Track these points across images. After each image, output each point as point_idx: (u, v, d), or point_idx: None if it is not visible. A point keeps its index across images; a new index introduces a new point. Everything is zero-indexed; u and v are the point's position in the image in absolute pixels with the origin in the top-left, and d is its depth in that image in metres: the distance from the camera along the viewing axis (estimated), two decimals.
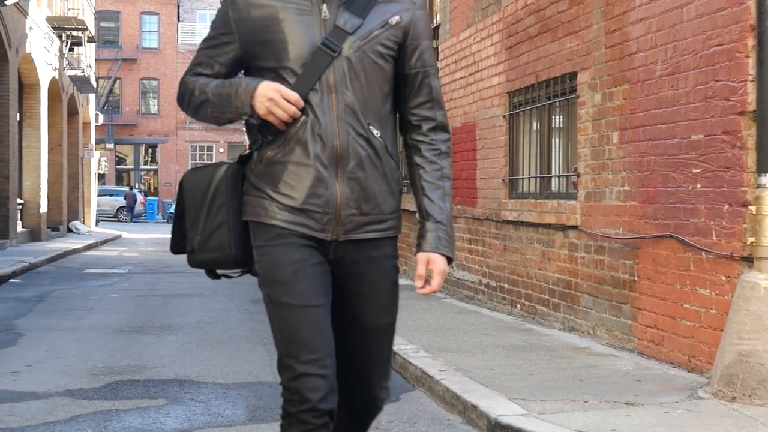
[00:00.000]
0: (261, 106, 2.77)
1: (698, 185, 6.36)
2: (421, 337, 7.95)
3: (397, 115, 3.03)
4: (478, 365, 6.67)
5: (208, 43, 2.96)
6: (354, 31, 2.85)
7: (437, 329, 8.55)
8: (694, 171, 6.40)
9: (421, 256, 2.91)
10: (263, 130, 2.87)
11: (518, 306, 9.64)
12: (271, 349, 8.30)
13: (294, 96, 2.77)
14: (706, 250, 6.25)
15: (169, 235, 3.13)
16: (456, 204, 11.38)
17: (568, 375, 6.30)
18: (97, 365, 7.29)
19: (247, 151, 2.96)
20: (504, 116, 10.05)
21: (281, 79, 2.82)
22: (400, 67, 2.93)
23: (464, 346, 7.59)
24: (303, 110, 2.80)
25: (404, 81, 2.94)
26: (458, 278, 11.51)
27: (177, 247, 3.05)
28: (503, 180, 10.08)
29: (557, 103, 8.92)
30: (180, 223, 3.01)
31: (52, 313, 10.65)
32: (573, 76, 8.43)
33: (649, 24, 7.07)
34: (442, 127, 2.99)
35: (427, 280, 2.90)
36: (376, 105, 2.86)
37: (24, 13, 22.37)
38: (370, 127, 2.84)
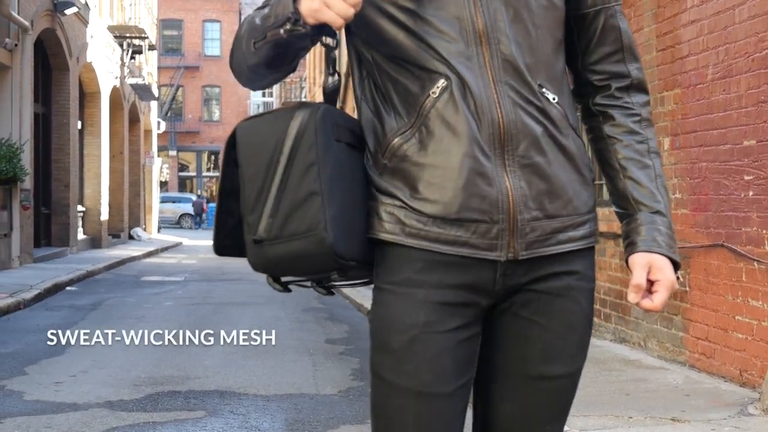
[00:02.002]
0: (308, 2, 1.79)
1: (750, 192, 6.14)
2: None
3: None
4: None
5: None
6: None
7: None
8: (746, 178, 6.18)
9: (639, 259, 1.98)
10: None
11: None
12: (317, 359, 8.28)
13: None
14: (758, 260, 6.03)
15: None
16: None
17: (615, 389, 6.13)
18: (141, 375, 7.28)
19: (336, 79, 1.96)
20: None
21: (389, 19, 1.92)
22: (572, 7, 2.05)
23: None
24: (436, 71, 1.91)
25: (580, 26, 2.07)
26: None
27: (224, 243, 2.01)
28: None
29: None
30: (229, 204, 1.98)
31: (104, 322, 10.70)
32: None
33: (700, 26, 6.86)
34: (639, 86, 2.10)
35: (648, 293, 1.99)
36: (547, 58, 1.97)
37: (84, 22, 22.67)
38: (543, 90, 1.94)
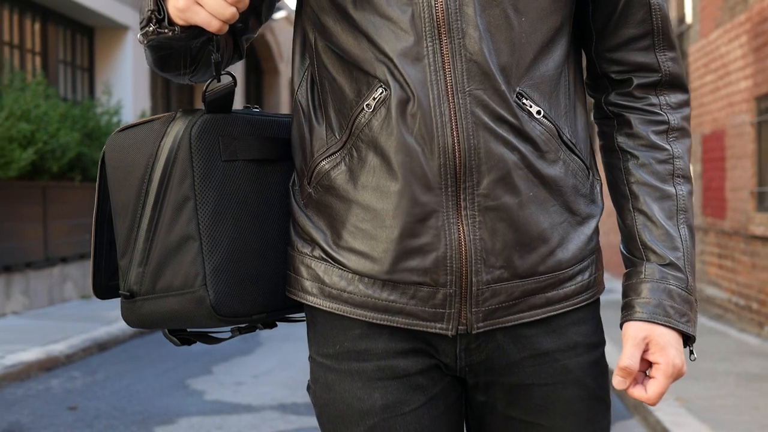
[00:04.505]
0: None
1: None
2: None
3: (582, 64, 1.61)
4: (701, 394, 6.24)
5: None
6: None
7: None
8: None
9: (633, 331, 1.50)
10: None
11: (766, 328, 8.97)
12: None
13: None
14: None
15: None
16: (706, 216, 10.76)
17: None
18: None
19: (223, 84, 1.51)
20: (751, 123, 9.38)
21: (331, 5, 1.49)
22: None
23: (694, 371, 7.12)
24: (375, 75, 1.45)
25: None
26: (709, 295, 10.88)
27: (102, 284, 1.62)
28: (751, 192, 9.41)
29: None
30: (106, 237, 1.60)
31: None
32: None
33: None
34: (673, 82, 1.57)
35: (645, 376, 1.51)
36: (533, 56, 1.47)
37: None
38: (524, 101, 1.45)
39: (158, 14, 1.39)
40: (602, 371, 1.56)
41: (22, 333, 8.81)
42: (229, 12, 1.35)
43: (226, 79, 1.50)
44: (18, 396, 6.70)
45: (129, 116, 12.98)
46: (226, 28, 1.38)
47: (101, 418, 5.98)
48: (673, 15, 12.22)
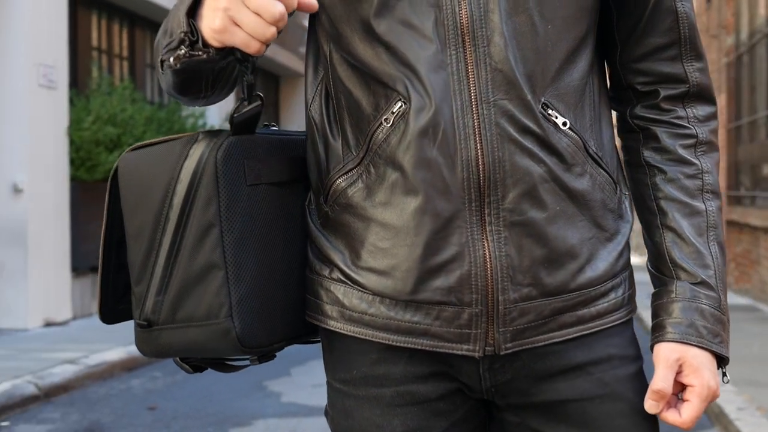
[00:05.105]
0: (212, 15, 1.28)
1: None
2: (736, 367, 7.35)
3: (605, 75, 1.56)
4: None
5: None
6: None
7: (760, 358, 7.88)
8: None
9: (666, 352, 1.44)
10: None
11: None
12: None
13: None
14: None
15: None
16: None
17: None
18: None
19: (252, 106, 1.41)
20: None
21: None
22: None
23: None
24: (394, 88, 1.39)
25: (620, 6, 1.48)
26: None
27: (112, 309, 1.55)
28: None
29: None
30: (121, 258, 1.52)
31: None
32: None
33: None
34: (701, 94, 1.52)
35: (678, 399, 1.46)
36: (559, 65, 1.41)
37: None
38: (549, 111, 1.40)
39: (192, 36, 1.30)
40: (644, 385, 1.47)
41: (106, 333, 8.93)
42: (270, 32, 1.26)
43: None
44: (100, 395, 6.84)
45: (214, 119, 13.15)
46: (265, 49, 1.30)
47: (179, 419, 6.06)
48: None
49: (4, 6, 9.19)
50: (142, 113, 10.83)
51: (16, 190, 9.30)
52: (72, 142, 9.98)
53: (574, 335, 1.43)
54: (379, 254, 1.41)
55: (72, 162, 10.03)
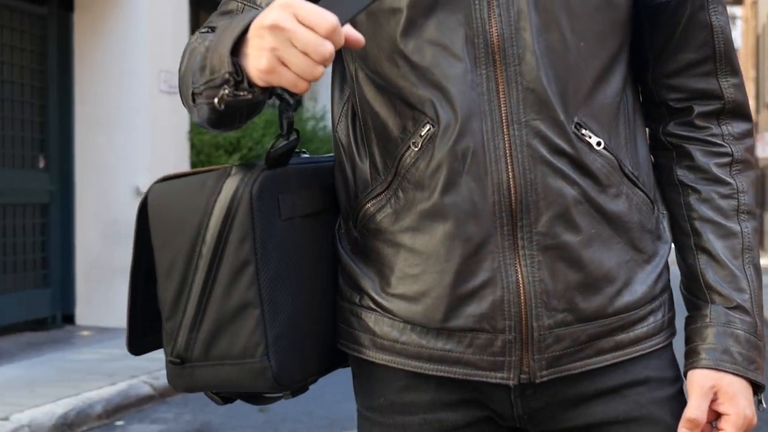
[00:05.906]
0: (258, 54, 1.19)
1: None
2: None
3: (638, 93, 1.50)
4: None
5: None
6: None
7: None
8: None
9: (700, 379, 1.39)
10: None
11: None
12: None
13: (326, 18, 1.15)
14: None
15: None
16: None
17: None
18: None
19: (287, 139, 1.36)
20: None
21: (376, 24, 1.36)
22: None
23: None
24: (422, 110, 1.34)
25: (652, 21, 1.42)
26: None
27: (140, 342, 1.51)
28: None
29: None
30: (149, 289, 1.46)
31: None
32: None
33: None
34: (736, 111, 1.46)
35: (713, 428, 1.41)
36: (592, 83, 1.35)
37: None
38: (583, 131, 1.35)
39: (236, 76, 1.23)
40: (683, 408, 1.40)
41: None
42: (319, 71, 1.18)
43: None
44: None
45: None
46: (309, 86, 1.22)
47: (287, 422, 6.07)
48: None
49: (125, 12, 9.42)
50: (262, 116, 10.92)
51: (139, 193, 9.52)
52: (192, 146, 10.17)
53: (612, 361, 1.39)
54: (409, 281, 1.37)
55: (193, 165, 10.20)
